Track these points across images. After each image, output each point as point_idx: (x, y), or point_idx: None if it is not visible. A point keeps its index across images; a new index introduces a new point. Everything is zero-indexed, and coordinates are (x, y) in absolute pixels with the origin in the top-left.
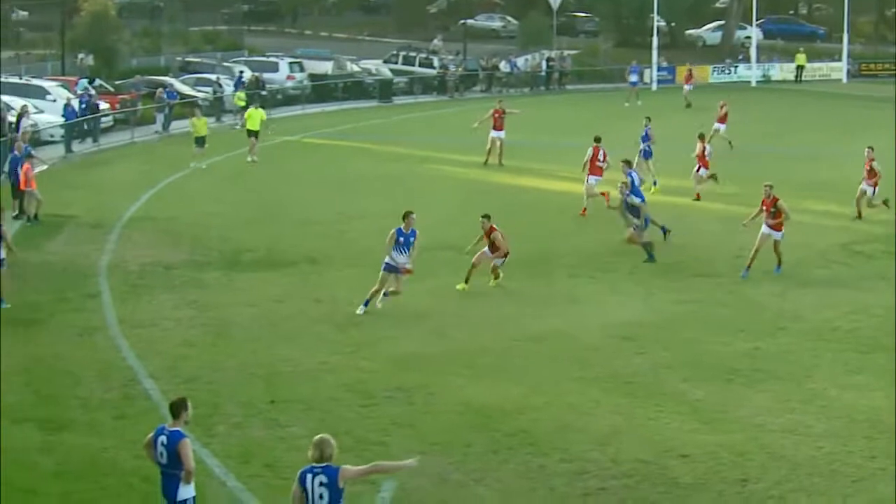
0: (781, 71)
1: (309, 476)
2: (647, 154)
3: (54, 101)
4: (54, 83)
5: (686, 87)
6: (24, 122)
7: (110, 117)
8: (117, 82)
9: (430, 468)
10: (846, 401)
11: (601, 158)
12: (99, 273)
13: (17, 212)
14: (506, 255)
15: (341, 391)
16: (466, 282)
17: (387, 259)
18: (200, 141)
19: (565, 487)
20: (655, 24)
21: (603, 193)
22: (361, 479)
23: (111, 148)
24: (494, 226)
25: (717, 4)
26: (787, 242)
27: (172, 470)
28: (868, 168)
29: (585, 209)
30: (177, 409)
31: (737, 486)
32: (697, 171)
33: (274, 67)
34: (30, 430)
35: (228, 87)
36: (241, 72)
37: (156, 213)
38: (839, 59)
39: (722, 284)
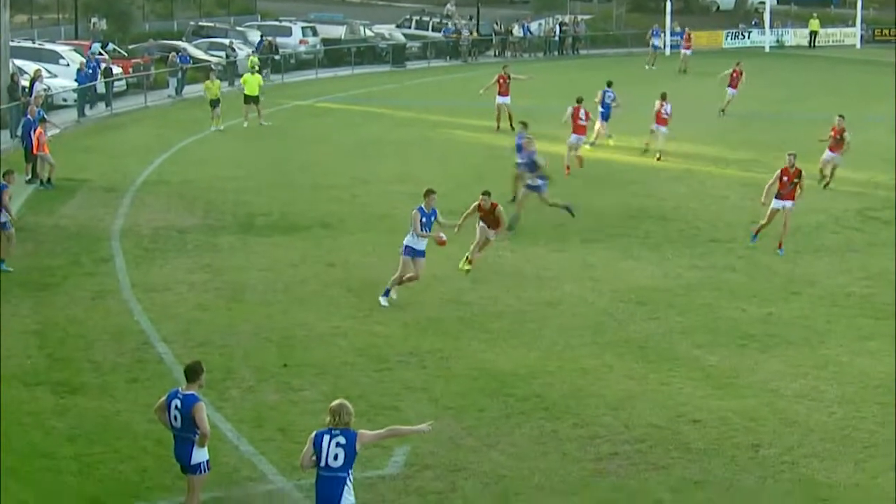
0: (795, 36)
1: (326, 437)
2: (604, 116)
3: (67, 65)
4: (67, 47)
5: (684, 51)
6: (38, 87)
7: (123, 82)
8: (130, 46)
9: (443, 433)
10: (859, 366)
11: (582, 117)
12: (112, 237)
13: (30, 176)
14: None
15: (355, 355)
16: (470, 262)
17: (406, 242)
18: (214, 103)
19: (578, 452)
20: None
21: (579, 157)
22: (374, 443)
23: (124, 112)
24: (495, 201)
25: None
26: (802, 208)
27: (186, 434)
28: (836, 137)
29: (569, 168)
30: (192, 372)
31: (749, 451)
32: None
33: (287, 32)
34: (43, 394)
35: (241, 51)
36: (263, 35)
37: (169, 176)
38: (853, 25)
39: (735, 250)
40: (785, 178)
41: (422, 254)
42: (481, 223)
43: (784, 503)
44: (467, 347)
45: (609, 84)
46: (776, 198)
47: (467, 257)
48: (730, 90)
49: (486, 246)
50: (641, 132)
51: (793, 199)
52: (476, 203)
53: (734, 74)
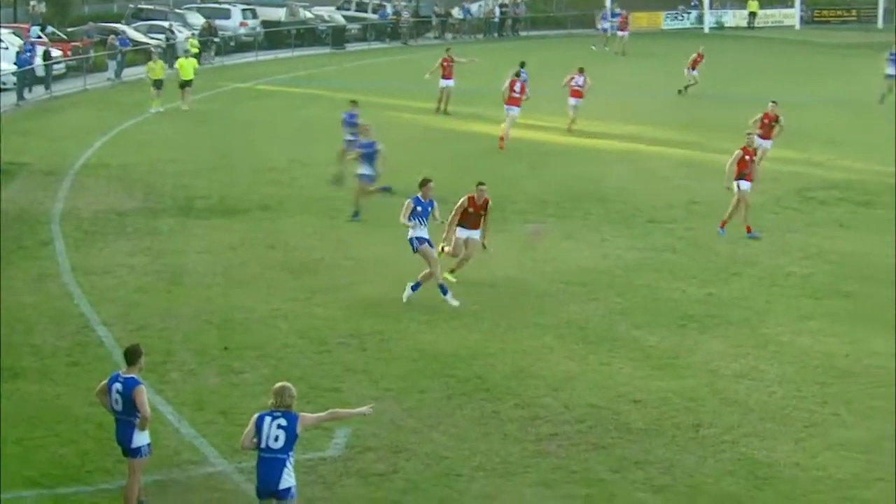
0: (734, 17)
1: (268, 419)
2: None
3: (6, 48)
4: (6, 30)
5: (620, 34)
6: None
7: (63, 65)
8: (70, 29)
9: (385, 414)
10: (799, 346)
11: (517, 90)
12: (52, 220)
13: None
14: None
15: (295, 338)
16: (452, 272)
17: (411, 234)
18: (158, 84)
19: (519, 433)
20: None
21: (501, 137)
22: (315, 426)
23: (63, 95)
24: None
25: None
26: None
27: (127, 417)
28: (768, 123)
29: (503, 138)
30: (132, 355)
31: (689, 430)
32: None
33: (226, 14)
34: None
35: (181, 33)
36: (207, 18)
37: (109, 160)
38: (791, 6)
39: (675, 231)
40: (748, 158)
41: (428, 241)
42: (461, 229)
43: (724, 482)
44: (408, 329)
45: (522, 65)
46: (738, 179)
47: (452, 269)
48: (689, 71)
49: (471, 257)
50: (582, 114)
51: (750, 179)
52: (466, 197)
53: (697, 58)
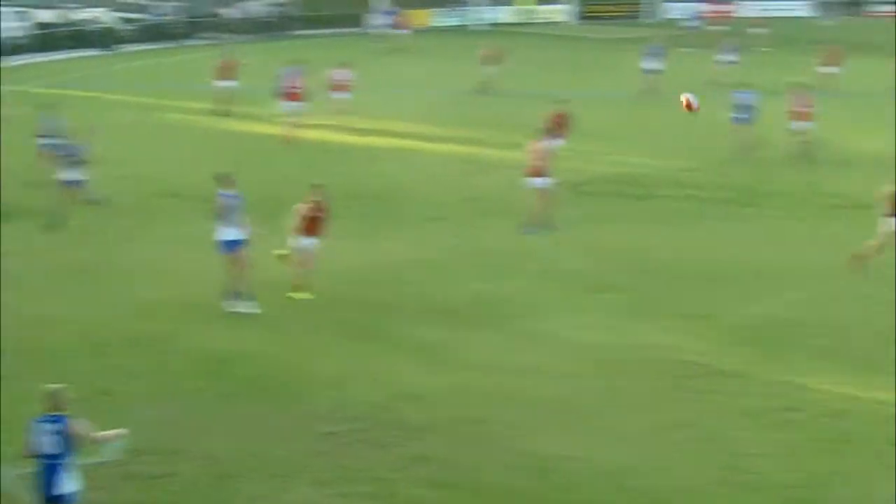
0: (506, 14)
1: (42, 424)
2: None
3: None
4: None
5: (397, 31)
6: None
7: None
8: None
9: (162, 416)
10: (577, 340)
11: (296, 85)
12: None
13: None
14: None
15: (72, 340)
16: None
17: (223, 235)
18: None
19: (295, 432)
20: None
21: (287, 136)
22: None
23: None
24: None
25: None
26: (511, 185)
27: None
28: (558, 123)
29: (287, 138)
30: None
31: (470, 426)
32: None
33: None
34: None
35: None
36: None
37: None
38: (564, 3)
39: (451, 227)
40: (541, 154)
41: (242, 244)
42: (305, 238)
43: (505, 477)
44: (185, 330)
45: (293, 63)
46: (534, 177)
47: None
48: (487, 69)
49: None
50: (356, 111)
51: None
52: (307, 205)
53: (487, 54)
